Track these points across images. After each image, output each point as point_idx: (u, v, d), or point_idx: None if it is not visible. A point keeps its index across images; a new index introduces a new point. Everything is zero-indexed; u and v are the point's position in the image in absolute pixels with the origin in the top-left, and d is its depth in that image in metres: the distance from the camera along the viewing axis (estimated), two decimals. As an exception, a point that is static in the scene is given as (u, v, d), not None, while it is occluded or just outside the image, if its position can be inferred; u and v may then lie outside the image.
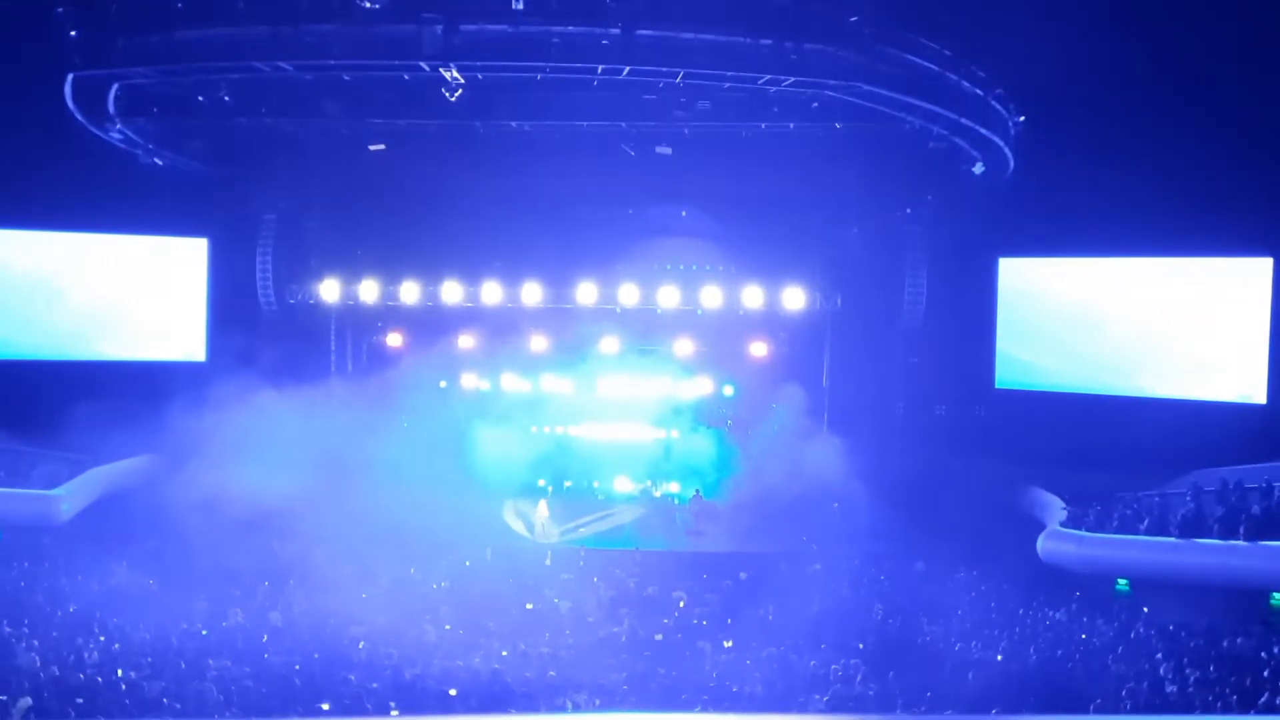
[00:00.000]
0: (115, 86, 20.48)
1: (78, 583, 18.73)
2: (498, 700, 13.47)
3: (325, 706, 12.97)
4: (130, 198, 23.94)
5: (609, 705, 13.68)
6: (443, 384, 27.45)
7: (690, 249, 26.32)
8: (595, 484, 27.11)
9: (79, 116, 20.97)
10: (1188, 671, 14.88)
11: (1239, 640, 16.60)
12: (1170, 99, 19.90)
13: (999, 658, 16.09)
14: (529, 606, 18.55)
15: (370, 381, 26.21)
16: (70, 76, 19.96)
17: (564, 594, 19.43)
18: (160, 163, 23.87)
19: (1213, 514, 19.15)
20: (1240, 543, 18.42)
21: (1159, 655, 15.82)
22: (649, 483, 26.83)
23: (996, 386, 25.16)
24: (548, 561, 21.58)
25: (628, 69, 18.61)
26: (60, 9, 19.02)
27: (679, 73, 18.94)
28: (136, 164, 23.58)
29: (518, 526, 24.74)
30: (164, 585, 18.85)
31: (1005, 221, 23.63)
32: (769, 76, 18.96)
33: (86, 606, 17.23)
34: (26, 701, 12.29)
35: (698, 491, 25.80)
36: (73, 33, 19.17)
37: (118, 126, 21.71)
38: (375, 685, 13.63)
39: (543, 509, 24.60)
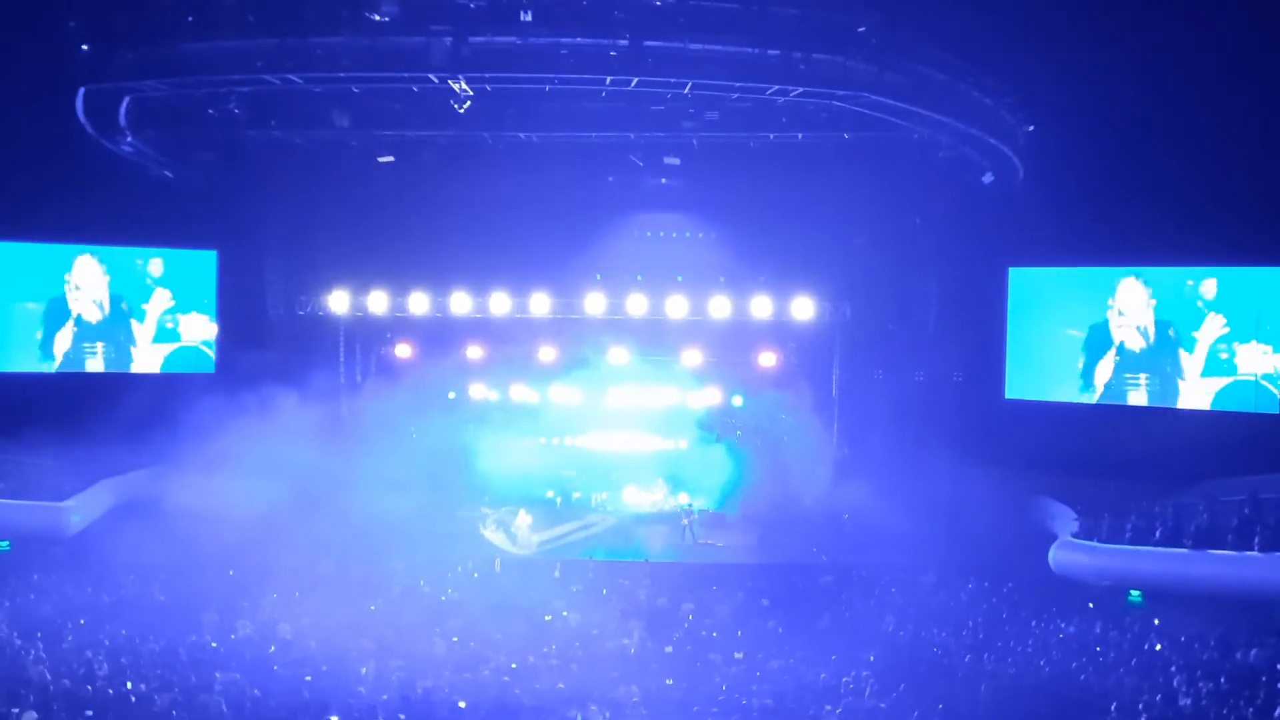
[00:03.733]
0: (126, 100, 20.59)
1: (87, 595, 18.74)
2: (507, 713, 13.43)
3: (334, 719, 12.93)
4: (140, 210, 24.03)
5: (618, 718, 13.61)
6: (451, 395, 27.50)
7: (699, 258, 26.35)
8: (603, 495, 27.08)
9: (90, 130, 21.09)
10: (1201, 684, 14.75)
11: (1253, 652, 16.45)
12: (1181, 106, 19.82)
13: (1011, 670, 15.99)
14: (547, 618, 18.48)
15: (379, 392, 26.25)
16: (82, 90, 20.08)
17: (573, 606, 19.36)
18: (170, 175, 23.98)
19: (1227, 525, 19.03)
20: (1254, 554, 18.30)
21: (1172, 668, 15.70)
22: (670, 496, 26.73)
23: (1007, 397, 25.05)
24: (556, 574, 21.53)
25: (636, 80, 18.64)
26: (72, 23, 19.15)
27: (687, 83, 18.96)
28: (146, 176, 23.69)
29: (497, 538, 24.69)
30: (173, 597, 18.85)
31: (1015, 231, 23.54)
32: (777, 87, 18.98)
33: (96, 618, 17.23)
34: (32, 715, 12.28)
35: (691, 505, 25.70)
36: (84, 46, 19.30)
37: (128, 139, 21.83)
38: (384, 697, 13.58)
39: (523, 518, 24.57)
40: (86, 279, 25.70)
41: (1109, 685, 15.12)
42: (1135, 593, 19.55)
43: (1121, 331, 23.70)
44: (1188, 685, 14.80)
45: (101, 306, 25.79)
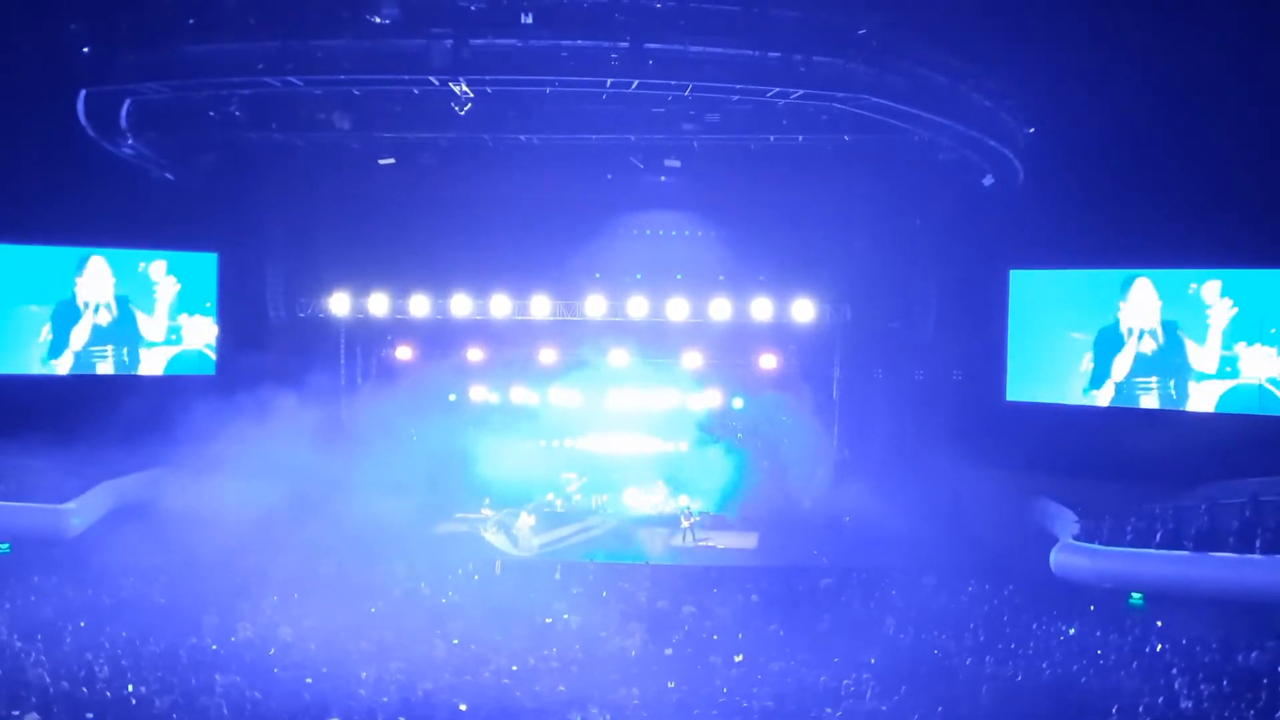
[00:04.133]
0: (127, 102, 20.60)
1: (87, 597, 18.72)
2: (507, 715, 13.41)
3: (334, 721, 12.92)
4: (141, 212, 24.03)
5: (619, 720, 13.59)
6: (452, 397, 27.52)
7: (699, 261, 26.34)
8: (604, 498, 27.06)
9: (91, 132, 21.08)
10: (1203, 686, 14.74)
11: (1254, 655, 16.44)
12: (1182, 106, 19.81)
13: (1012, 672, 15.96)
14: (548, 620, 18.45)
15: (380, 394, 26.25)
16: (83, 92, 20.08)
17: (574, 608, 19.34)
18: (171, 177, 23.98)
19: (1228, 527, 19.01)
20: (1256, 556, 18.28)
21: (1174, 670, 15.67)
22: (671, 498, 26.70)
23: (1008, 399, 25.03)
24: (557, 576, 21.52)
25: (636, 82, 18.65)
26: (73, 26, 19.16)
27: (688, 86, 18.96)
28: (147, 179, 23.69)
29: (498, 540, 24.68)
30: (173, 599, 18.83)
31: (1016, 233, 23.53)
32: (778, 89, 18.97)
33: (96, 621, 17.21)
34: (34, 718, 12.27)
35: (691, 507, 25.70)
36: (85, 49, 19.31)
37: (129, 141, 21.82)
38: (385, 700, 13.56)
39: (525, 520, 24.56)
40: (90, 282, 25.70)
41: (1110, 688, 15.08)
42: (1136, 595, 19.53)
43: (1128, 334, 23.67)
44: (1189, 688, 14.78)
45: (108, 309, 25.78)
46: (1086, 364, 24.12)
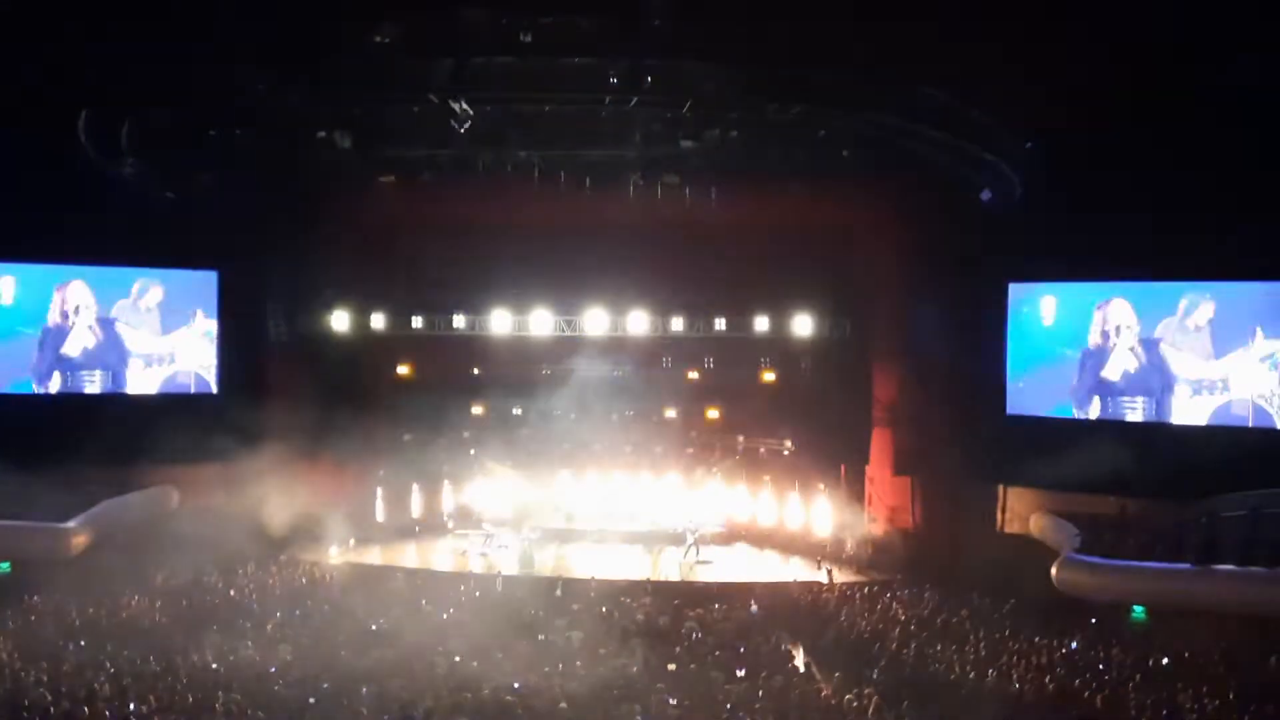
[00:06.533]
0: (128, 121, 20.67)
1: (89, 616, 18.67)
2: (509, 733, 13.36)
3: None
4: (141, 231, 24.07)
5: (621, 737, 13.55)
6: (454, 413, 27.54)
7: (699, 276, 26.40)
8: (604, 513, 27.05)
9: (92, 152, 21.15)
10: (1207, 700, 14.69)
11: (1259, 668, 16.39)
12: (1181, 118, 19.88)
13: (1015, 687, 15.91)
14: (542, 638, 18.42)
15: (380, 412, 26.26)
16: (83, 113, 20.17)
17: (575, 625, 19.30)
18: (171, 196, 24.02)
19: (1230, 540, 18.99)
20: (1258, 569, 18.26)
21: (1177, 684, 15.62)
22: (673, 513, 26.67)
23: (1008, 413, 25.04)
24: (558, 592, 21.49)
25: (635, 99, 18.75)
26: (73, 45, 19.24)
27: (686, 102, 19.06)
28: (147, 198, 23.73)
29: (499, 557, 24.66)
30: (174, 618, 18.78)
31: (1015, 247, 23.60)
32: (776, 105, 19.08)
33: (97, 640, 17.16)
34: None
35: (694, 522, 25.70)
36: (86, 70, 19.40)
37: (130, 161, 21.87)
38: (386, 718, 13.53)
39: (527, 534, 24.60)
40: (86, 301, 25.75)
41: (1114, 702, 15.04)
42: (1139, 609, 19.50)
43: (1118, 348, 23.72)
44: (1194, 701, 14.74)
45: (103, 327, 25.82)
46: (1076, 378, 24.20)
